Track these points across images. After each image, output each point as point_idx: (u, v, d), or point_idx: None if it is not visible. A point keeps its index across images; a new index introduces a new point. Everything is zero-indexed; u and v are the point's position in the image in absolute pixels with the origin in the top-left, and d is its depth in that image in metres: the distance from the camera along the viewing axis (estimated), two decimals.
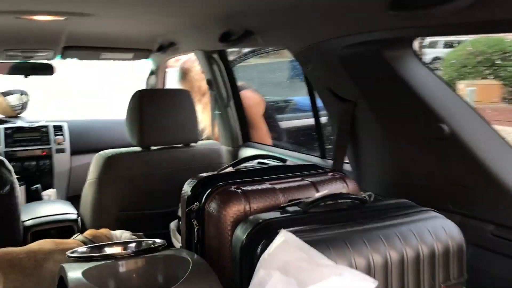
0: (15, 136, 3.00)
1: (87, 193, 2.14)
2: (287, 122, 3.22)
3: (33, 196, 2.83)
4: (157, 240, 1.28)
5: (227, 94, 2.42)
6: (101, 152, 2.08)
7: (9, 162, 2.96)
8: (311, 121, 2.14)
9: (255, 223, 1.04)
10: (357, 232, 0.98)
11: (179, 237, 1.89)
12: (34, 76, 2.78)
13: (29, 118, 3.18)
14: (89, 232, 1.84)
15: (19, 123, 3.01)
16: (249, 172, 1.36)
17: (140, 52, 2.75)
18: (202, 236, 1.22)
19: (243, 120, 2.51)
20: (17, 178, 2.96)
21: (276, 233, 0.94)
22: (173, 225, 2.01)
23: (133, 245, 1.32)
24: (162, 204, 2.22)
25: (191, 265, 1.06)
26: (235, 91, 2.46)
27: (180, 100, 2.12)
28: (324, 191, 1.22)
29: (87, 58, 2.90)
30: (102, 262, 1.13)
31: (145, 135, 2.04)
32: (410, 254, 0.98)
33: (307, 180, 1.29)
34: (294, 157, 2.14)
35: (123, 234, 1.89)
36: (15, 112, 3.10)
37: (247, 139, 2.54)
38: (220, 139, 2.60)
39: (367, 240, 0.95)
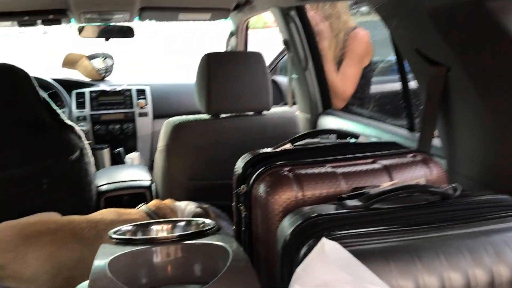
0: (100, 99, 3.05)
1: (158, 160, 2.08)
2: (382, 86, 2.89)
3: (116, 159, 2.88)
4: (208, 221, 1.15)
5: (305, 56, 2.19)
6: (169, 119, 2.00)
7: (94, 125, 3.06)
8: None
9: (303, 217, 0.85)
10: (430, 241, 0.74)
11: None
12: (115, 39, 2.76)
13: (114, 81, 3.21)
14: (153, 203, 1.78)
15: (103, 87, 3.05)
16: (310, 151, 1.16)
17: (217, 11, 2.59)
18: (249, 223, 1.06)
19: (323, 85, 2.28)
20: (102, 141, 3.05)
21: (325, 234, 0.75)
22: None
23: (181, 224, 1.21)
24: (231, 174, 2.10)
25: (230, 259, 0.91)
26: (315, 52, 2.22)
27: (251, 64, 1.95)
28: (397, 179, 0.99)
29: (165, 19, 2.82)
30: (136, 248, 1.02)
31: (213, 102, 1.91)
32: (504, 274, 0.73)
33: (379, 163, 1.06)
34: (381, 129, 1.88)
35: (187, 206, 1.80)
36: (100, 76, 3.15)
37: (327, 106, 2.31)
38: (298, 105, 2.39)
39: (444, 253, 0.72)
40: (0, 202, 1.79)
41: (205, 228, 1.10)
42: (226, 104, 1.93)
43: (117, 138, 3.06)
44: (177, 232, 1.18)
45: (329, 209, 0.87)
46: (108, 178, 2.29)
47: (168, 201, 1.81)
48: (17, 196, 1.81)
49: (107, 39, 2.72)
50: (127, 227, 1.21)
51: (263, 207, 0.99)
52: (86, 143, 1.99)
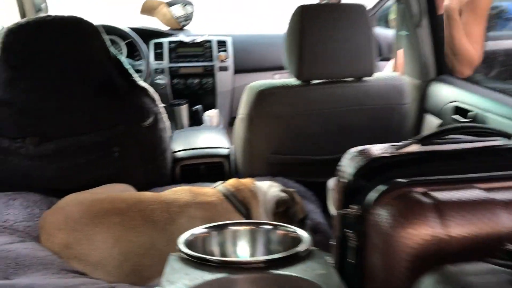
0: (179, 51, 2.83)
1: (238, 129, 1.84)
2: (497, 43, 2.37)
3: (194, 117, 2.69)
4: (300, 232, 0.89)
5: (419, 9, 1.79)
6: (253, 84, 1.72)
7: (173, 79, 2.87)
8: None
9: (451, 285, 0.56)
10: None
11: None
12: None
13: (193, 31, 2.97)
14: (232, 183, 1.55)
15: (182, 37, 2.81)
16: (447, 160, 0.84)
17: None
18: (360, 259, 0.78)
19: (438, 45, 1.87)
20: (180, 95, 2.86)
21: None
22: (332, 183, 1.59)
23: (266, 229, 0.97)
24: (321, 149, 1.82)
25: None
26: (432, 5, 1.81)
27: (353, 19, 1.60)
28: None
29: None
30: (212, 277, 0.79)
31: (305, 65, 1.60)
32: None
33: None
34: None
35: (270, 189, 1.56)
36: (179, 24, 2.91)
37: (441, 71, 1.91)
38: (405, 68, 2.01)
39: None
40: (68, 170, 1.65)
41: (297, 251, 0.84)
42: (321, 68, 1.62)
43: (196, 93, 2.86)
44: (260, 242, 0.95)
45: (489, 271, 0.57)
46: (184, 143, 2.10)
47: (248, 181, 1.58)
48: (86, 164, 1.66)
49: None
50: (199, 230, 0.99)
51: (385, 243, 0.71)
52: (161, 106, 1.78)
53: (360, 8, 1.60)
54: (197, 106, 2.65)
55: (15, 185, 1.68)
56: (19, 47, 1.49)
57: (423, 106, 1.94)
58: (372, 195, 0.75)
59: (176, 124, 2.71)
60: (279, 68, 2.94)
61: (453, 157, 0.83)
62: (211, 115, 2.70)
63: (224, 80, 2.85)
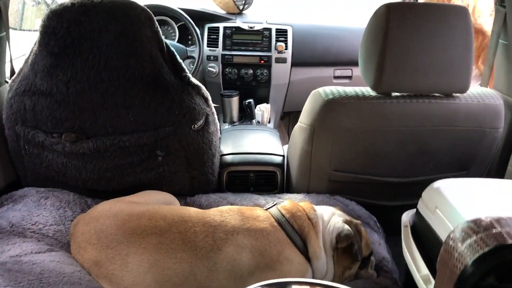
0: (234, 38, 2.60)
1: (297, 139, 1.61)
2: None
3: (245, 111, 2.47)
4: None
5: None
6: (320, 90, 1.49)
7: (225, 68, 2.65)
8: None
9: None
10: None
11: (415, 250, 1.24)
12: None
13: (252, 17, 2.73)
14: (288, 207, 1.34)
15: (239, 23, 2.58)
16: None
17: None
18: None
19: None
20: (232, 86, 2.65)
21: None
22: (406, 217, 1.35)
23: None
24: (393, 171, 1.58)
25: None
26: None
27: (452, 23, 1.33)
28: None
29: None
30: None
31: (386, 76, 1.35)
32: None
33: None
34: None
35: (332, 219, 1.34)
36: (237, 8, 2.68)
37: None
38: (496, 83, 1.71)
39: None
40: (107, 172, 1.49)
41: None
42: (405, 79, 1.36)
43: (249, 84, 2.63)
44: None
45: None
46: (234, 145, 1.90)
47: (307, 206, 1.36)
48: (126, 166, 1.49)
49: None
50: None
51: None
52: (212, 107, 1.58)
53: (463, 11, 1.33)
54: (249, 100, 2.43)
55: (49, 181, 1.54)
56: (61, 32, 1.31)
57: None
58: None
59: (224, 116, 2.51)
60: (342, 63, 2.68)
61: None
62: (263, 110, 2.48)
63: (280, 72, 2.61)
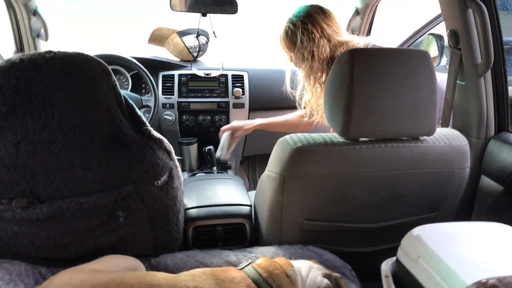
0: (190, 85, 2.56)
1: (265, 188, 1.55)
2: None
3: (205, 159, 2.40)
4: None
5: (487, 56, 1.53)
6: (287, 138, 1.45)
7: (182, 115, 2.59)
8: None
9: None
10: None
11: None
12: (214, 16, 2.22)
13: (207, 63, 2.70)
14: (263, 265, 1.26)
15: (194, 70, 2.55)
16: None
17: None
18: None
19: (501, 97, 1.61)
20: (189, 133, 2.58)
21: None
22: (386, 266, 1.31)
23: None
24: (365, 216, 1.54)
25: None
26: (498, 50, 1.55)
27: (415, 67, 1.34)
28: None
29: None
30: None
31: (353, 121, 1.33)
32: None
33: None
34: None
35: (310, 273, 1.27)
36: (192, 56, 2.65)
37: (503, 128, 1.65)
38: (456, 124, 1.74)
39: None
40: (63, 238, 1.36)
41: None
42: (372, 125, 1.34)
43: (207, 130, 2.58)
44: None
45: None
46: (198, 197, 1.81)
47: (283, 262, 1.29)
48: (85, 230, 1.37)
49: (204, 15, 2.20)
50: None
51: None
52: (175, 160, 1.50)
53: (424, 54, 1.34)
54: (209, 147, 2.36)
55: None
56: (9, 91, 1.20)
57: (479, 167, 1.67)
58: None
59: (183, 165, 2.43)
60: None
61: None
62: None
63: (238, 117, 2.58)
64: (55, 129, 1.24)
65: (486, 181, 1.65)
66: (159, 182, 1.40)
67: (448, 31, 1.61)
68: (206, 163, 2.43)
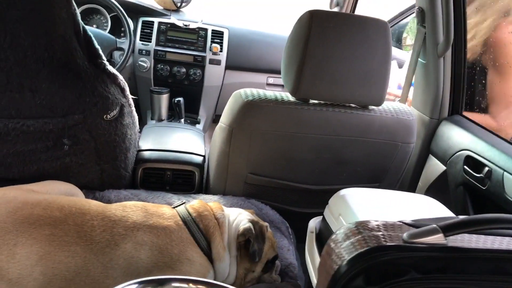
0: (169, 34, 2.55)
1: (216, 139, 1.58)
2: None
3: (174, 110, 2.42)
4: None
5: (447, 37, 1.55)
6: (240, 92, 1.47)
7: (157, 63, 2.59)
8: None
9: None
10: None
11: (317, 257, 1.25)
12: None
13: (189, 15, 2.69)
14: (195, 206, 1.31)
15: (174, 19, 2.53)
16: (485, 262, 0.60)
17: None
18: None
19: (459, 80, 1.64)
20: (163, 83, 2.58)
21: None
22: (313, 223, 1.36)
23: None
24: (308, 178, 1.58)
25: None
26: (461, 32, 1.57)
27: (373, 36, 1.35)
28: None
29: None
30: None
31: (305, 82, 1.35)
32: None
33: None
34: None
35: (238, 218, 1.31)
36: (175, 5, 2.63)
37: (457, 111, 1.68)
38: (414, 100, 1.78)
39: None
40: (7, 157, 1.38)
41: None
42: (323, 87, 1.37)
43: (181, 83, 2.59)
44: None
45: None
46: (154, 141, 1.84)
47: (216, 206, 1.33)
48: (29, 153, 1.39)
49: None
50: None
51: None
52: (129, 98, 1.52)
53: (383, 25, 1.35)
54: (179, 98, 2.38)
55: None
56: None
57: (429, 146, 1.71)
58: None
59: (153, 113, 2.45)
60: (275, 71, 2.69)
61: (491, 262, 0.59)
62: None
63: (214, 74, 2.59)
64: (6, 47, 1.25)
65: (433, 162, 1.69)
66: (108, 116, 1.43)
67: (416, 8, 1.62)
68: (175, 115, 2.45)
